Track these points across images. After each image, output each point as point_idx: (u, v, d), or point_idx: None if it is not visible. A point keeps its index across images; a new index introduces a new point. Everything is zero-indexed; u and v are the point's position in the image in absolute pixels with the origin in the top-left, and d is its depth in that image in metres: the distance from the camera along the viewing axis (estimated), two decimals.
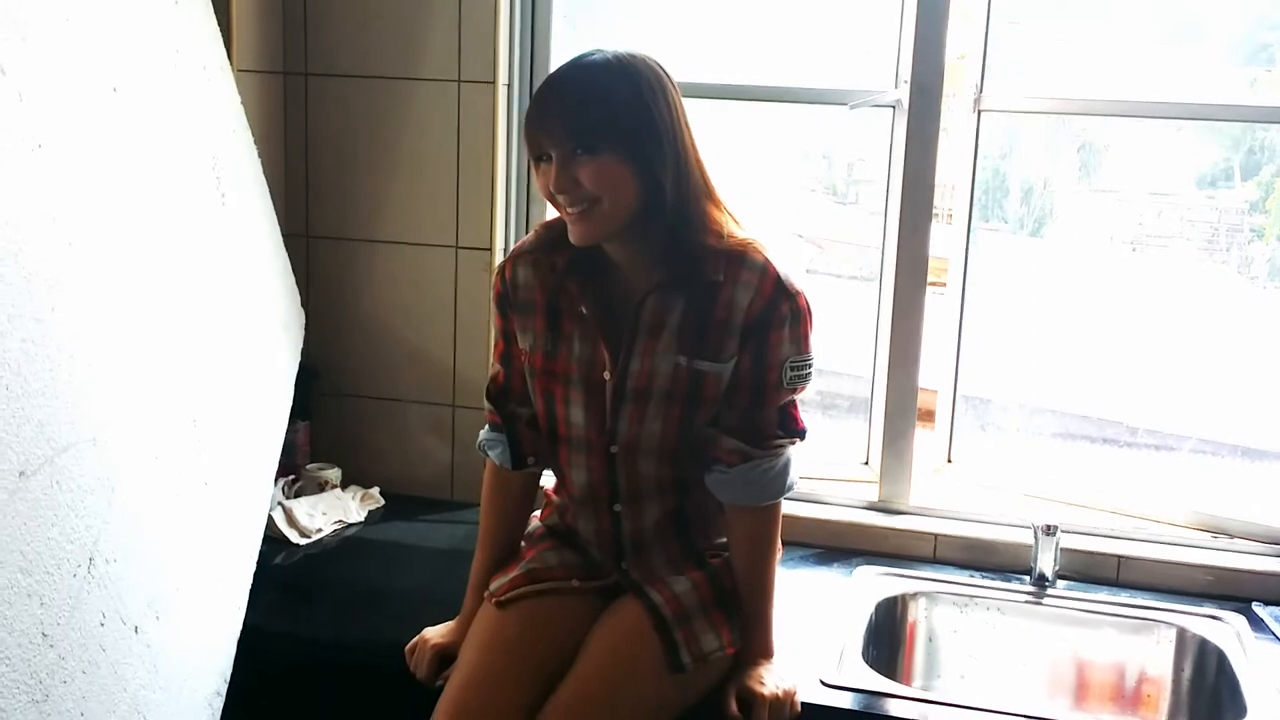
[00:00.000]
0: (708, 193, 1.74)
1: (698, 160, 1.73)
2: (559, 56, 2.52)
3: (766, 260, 1.73)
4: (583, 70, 1.69)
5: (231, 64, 2.18)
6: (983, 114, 2.47)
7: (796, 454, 1.84)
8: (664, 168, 1.67)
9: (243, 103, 2.18)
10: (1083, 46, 2.54)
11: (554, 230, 1.80)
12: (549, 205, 2.48)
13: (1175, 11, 2.49)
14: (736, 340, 1.73)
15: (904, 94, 2.40)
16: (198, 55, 2.03)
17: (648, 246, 1.73)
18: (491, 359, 1.95)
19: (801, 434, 1.82)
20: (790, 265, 1.75)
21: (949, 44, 2.36)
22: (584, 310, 1.77)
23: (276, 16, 2.51)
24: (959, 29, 2.39)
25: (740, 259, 1.72)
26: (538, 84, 2.48)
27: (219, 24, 2.12)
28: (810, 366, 1.78)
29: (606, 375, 1.77)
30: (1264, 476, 2.49)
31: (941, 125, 2.40)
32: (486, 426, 1.95)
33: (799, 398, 1.81)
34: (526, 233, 2.55)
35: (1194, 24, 2.48)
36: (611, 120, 1.65)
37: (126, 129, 1.76)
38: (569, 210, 1.68)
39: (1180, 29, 2.49)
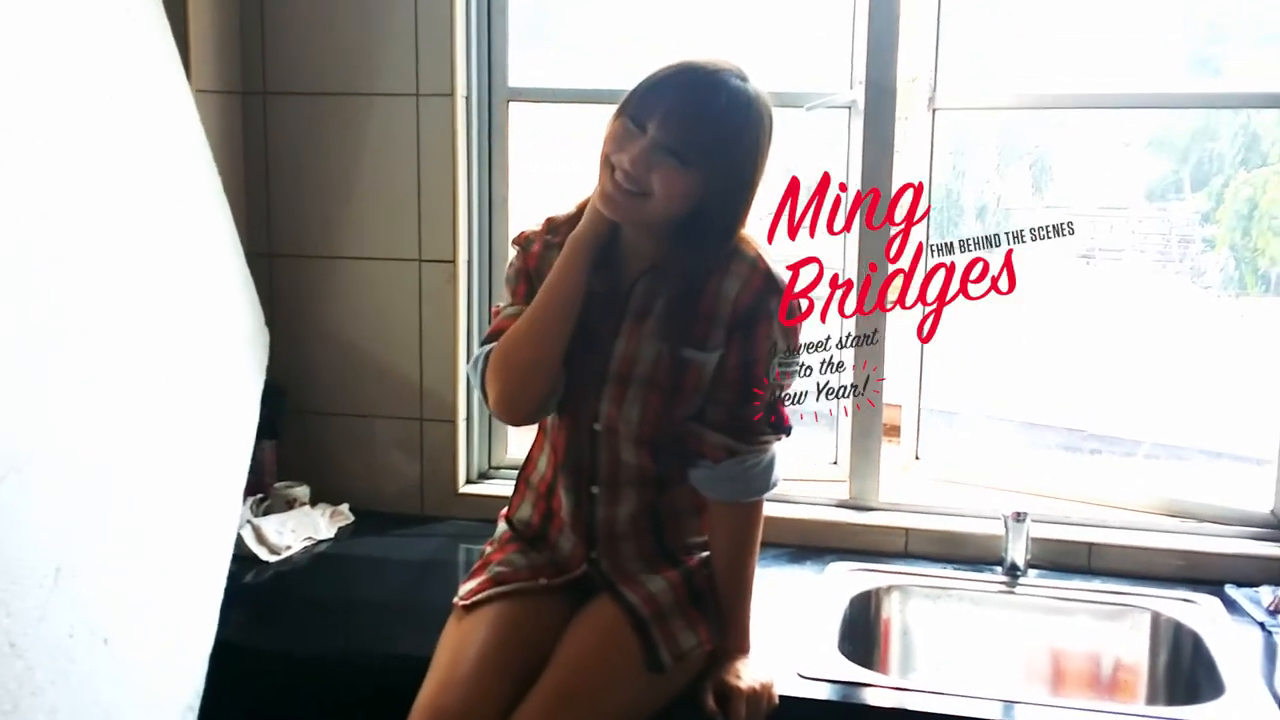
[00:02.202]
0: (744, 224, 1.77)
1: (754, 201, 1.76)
2: (517, 67, 2.54)
3: (758, 254, 1.75)
4: (727, 92, 1.66)
5: (189, 84, 2.17)
6: (937, 113, 2.50)
7: (782, 451, 1.84)
8: (731, 205, 1.70)
9: (201, 122, 2.17)
10: (1030, 65, 2.58)
11: (556, 221, 1.83)
12: (509, 216, 2.56)
13: (1123, 27, 2.53)
14: (723, 332, 1.74)
15: (859, 95, 2.42)
16: (156, 74, 2.03)
17: (663, 244, 1.74)
18: (493, 326, 1.87)
19: (787, 431, 1.82)
20: (780, 263, 1.76)
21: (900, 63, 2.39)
22: (594, 284, 1.77)
23: (233, 37, 2.51)
24: (909, 39, 2.42)
25: (732, 250, 1.74)
26: (496, 96, 2.53)
27: (176, 45, 2.12)
28: (797, 364, 1.79)
29: (601, 352, 1.78)
30: (1222, 475, 2.53)
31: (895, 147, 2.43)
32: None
33: (784, 395, 1.81)
34: (489, 244, 2.58)
35: (1141, 39, 2.52)
36: (721, 152, 1.66)
37: (92, 148, 1.77)
38: (625, 184, 1.66)
39: (1127, 44, 2.52)
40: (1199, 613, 2.13)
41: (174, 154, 2.06)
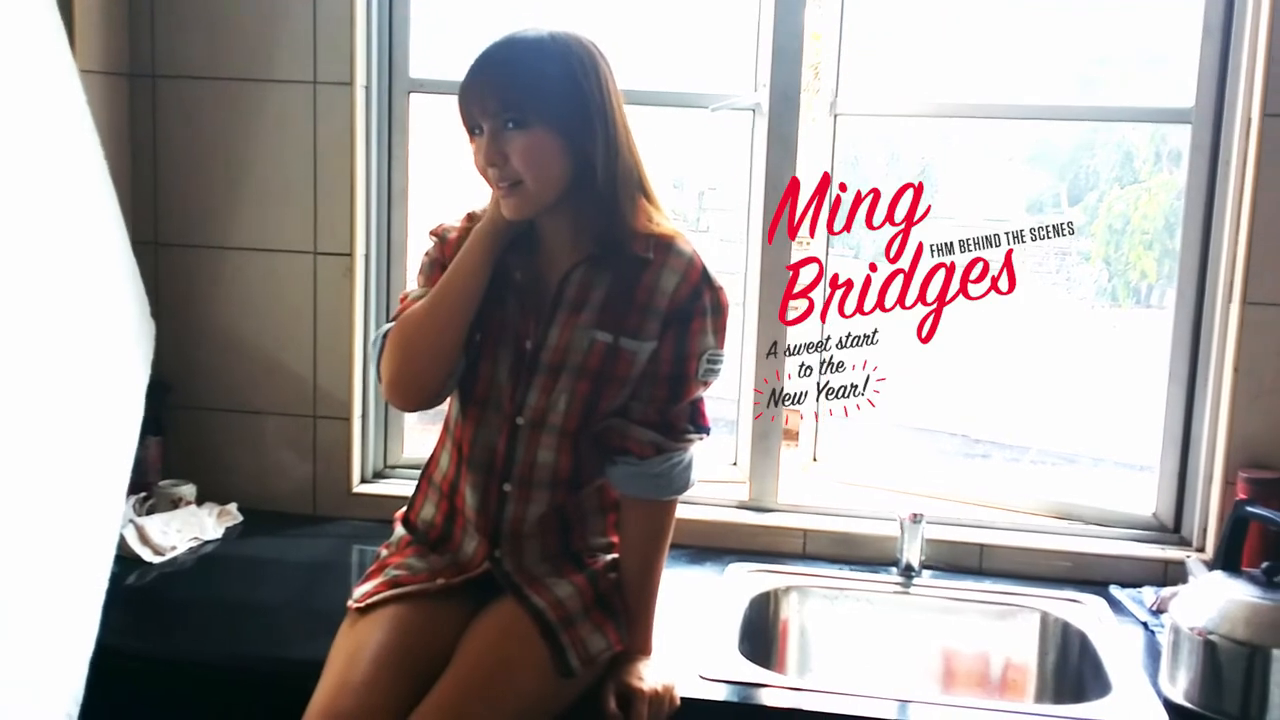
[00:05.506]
0: (640, 181, 1.77)
1: (630, 146, 1.75)
2: (419, 57, 2.49)
3: (694, 251, 1.76)
4: (516, 45, 1.70)
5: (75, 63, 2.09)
6: (839, 118, 2.53)
7: (699, 452, 1.84)
8: (594, 146, 1.69)
9: (87, 103, 2.09)
10: (920, 87, 2.63)
11: (476, 216, 1.81)
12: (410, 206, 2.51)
13: (1008, 49, 2.60)
14: (658, 325, 1.74)
15: (763, 97, 2.43)
16: (40, 50, 1.94)
17: (578, 221, 1.75)
18: (398, 310, 1.84)
19: (707, 430, 1.84)
20: (712, 261, 1.78)
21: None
22: (517, 276, 1.78)
23: (122, 15, 2.42)
24: (810, 45, 2.44)
25: (669, 245, 1.75)
26: (397, 86, 2.49)
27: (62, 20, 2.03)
28: (722, 362, 1.80)
29: (529, 344, 1.77)
30: (1106, 479, 2.60)
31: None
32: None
33: (705, 394, 1.82)
34: (388, 237, 2.53)
35: (1025, 61, 2.58)
36: (541, 93, 1.66)
37: None
38: (499, 185, 1.69)
39: (1012, 67, 2.59)
40: (1085, 613, 2.18)
41: (58, 135, 1.97)
